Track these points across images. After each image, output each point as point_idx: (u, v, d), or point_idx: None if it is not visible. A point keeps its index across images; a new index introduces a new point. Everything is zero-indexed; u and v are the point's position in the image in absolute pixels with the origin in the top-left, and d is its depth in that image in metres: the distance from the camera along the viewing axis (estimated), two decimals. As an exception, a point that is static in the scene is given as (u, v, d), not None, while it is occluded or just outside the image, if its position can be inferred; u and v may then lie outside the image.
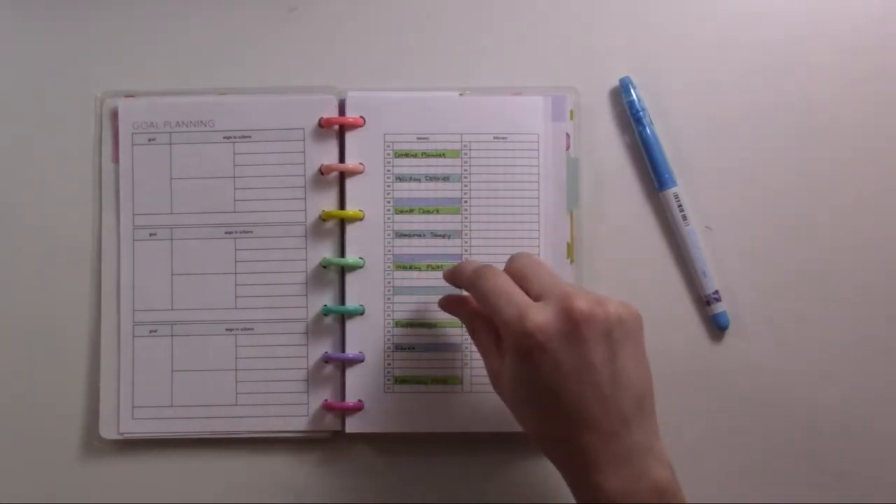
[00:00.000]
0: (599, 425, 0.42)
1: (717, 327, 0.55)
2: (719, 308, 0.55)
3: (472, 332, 0.50)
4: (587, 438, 0.42)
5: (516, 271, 0.46)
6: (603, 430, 0.42)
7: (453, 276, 0.50)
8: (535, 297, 0.44)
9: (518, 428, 0.54)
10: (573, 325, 0.42)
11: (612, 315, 0.43)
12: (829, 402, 0.55)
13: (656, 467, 0.42)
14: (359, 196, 0.55)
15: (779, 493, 0.55)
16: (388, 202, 0.55)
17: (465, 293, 0.50)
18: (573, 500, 0.55)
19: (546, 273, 0.46)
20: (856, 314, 0.56)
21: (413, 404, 0.55)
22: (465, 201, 0.55)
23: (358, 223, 0.55)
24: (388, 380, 0.55)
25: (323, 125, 0.56)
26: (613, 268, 0.56)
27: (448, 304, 0.52)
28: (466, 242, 0.55)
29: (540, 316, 0.42)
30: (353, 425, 0.55)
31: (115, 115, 0.57)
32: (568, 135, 0.56)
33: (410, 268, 0.55)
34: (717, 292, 0.55)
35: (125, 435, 0.55)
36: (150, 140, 0.56)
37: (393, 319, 0.55)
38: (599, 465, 0.42)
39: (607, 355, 0.42)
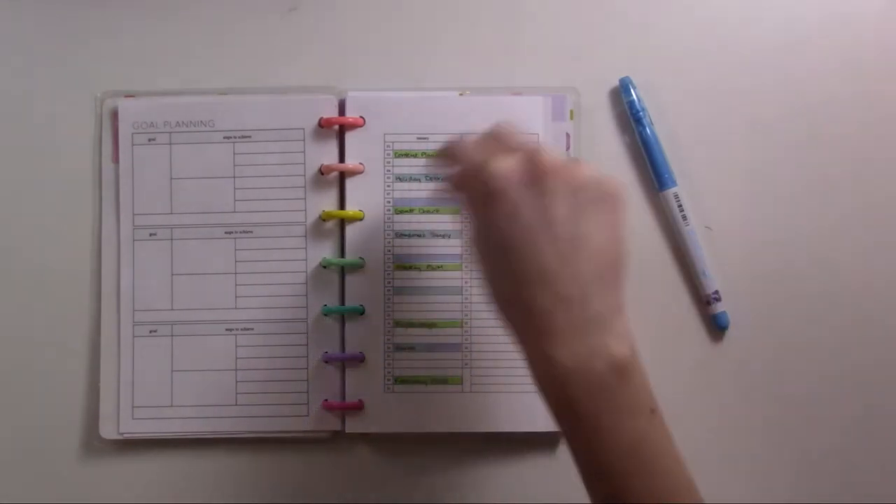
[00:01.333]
0: (554, 286, 0.40)
1: (717, 327, 0.55)
2: (719, 308, 0.55)
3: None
4: (540, 299, 0.40)
5: (492, 133, 0.44)
6: (558, 293, 0.40)
7: (448, 155, 0.46)
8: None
9: (519, 428, 0.54)
10: (538, 175, 0.40)
11: (584, 175, 0.41)
12: (829, 403, 0.55)
13: (615, 343, 0.40)
14: (359, 196, 0.55)
15: (778, 493, 0.55)
16: (388, 202, 0.55)
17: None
18: (574, 501, 0.55)
19: (521, 136, 0.44)
20: (856, 314, 0.56)
21: (413, 404, 0.54)
22: (466, 201, 0.55)
23: (358, 223, 0.55)
24: (388, 380, 0.55)
25: (323, 125, 0.56)
26: (613, 268, 0.56)
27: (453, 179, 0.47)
28: (467, 241, 0.55)
29: (505, 162, 0.41)
30: (353, 425, 0.55)
31: (115, 115, 0.57)
32: (568, 135, 0.55)
33: (410, 268, 0.55)
34: (717, 292, 0.55)
35: (125, 435, 0.55)
36: (150, 140, 0.56)
37: (393, 319, 0.55)
38: (553, 333, 0.39)
39: (570, 214, 0.40)
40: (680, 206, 0.55)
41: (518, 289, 0.40)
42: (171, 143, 0.56)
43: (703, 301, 0.55)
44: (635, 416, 0.40)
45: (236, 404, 0.55)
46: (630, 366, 0.40)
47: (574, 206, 0.40)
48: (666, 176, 0.55)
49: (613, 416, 0.39)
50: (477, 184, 0.42)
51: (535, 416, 0.54)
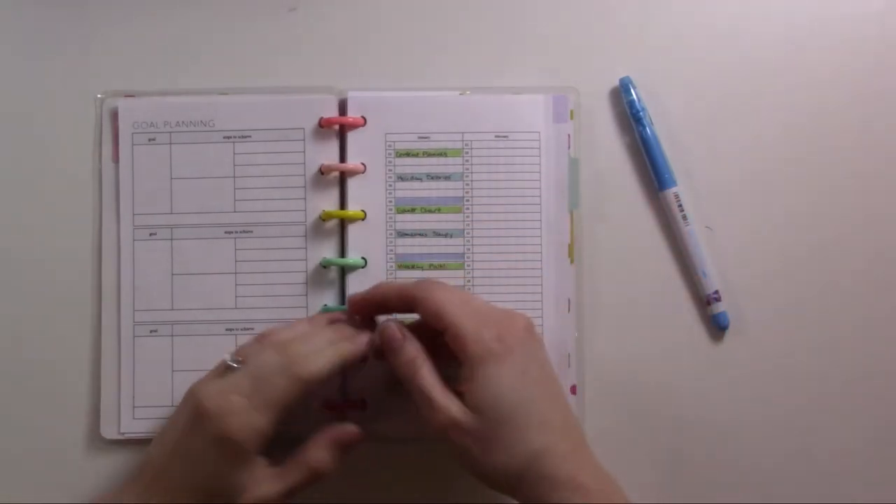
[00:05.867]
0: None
1: (717, 327, 0.55)
2: (719, 308, 0.55)
3: None
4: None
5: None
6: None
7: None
8: None
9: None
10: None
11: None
12: (830, 403, 0.55)
13: None
14: (360, 196, 0.55)
15: (777, 492, 0.55)
16: (390, 202, 0.55)
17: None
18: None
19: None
20: (856, 314, 0.56)
21: (415, 404, 0.54)
22: (467, 200, 0.55)
23: (359, 223, 0.55)
24: (391, 379, 0.54)
25: (323, 125, 0.56)
26: (613, 268, 0.56)
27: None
28: (468, 241, 0.55)
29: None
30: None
31: (115, 115, 0.57)
32: (568, 135, 0.56)
33: (413, 267, 0.55)
34: (717, 292, 0.55)
35: (126, 435, 0.55)
36: (150, 140, 0.56)
37: (395, 318, 0.55)
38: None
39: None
40: (680, 206, 0.55)
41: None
42: (171, 143, 0.56)
43: (703, 301, 0.55)
44: None
45: (236, 404, 0.55)
46: None
47: None
48: (666, 176, 0.55)
49: None
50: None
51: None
